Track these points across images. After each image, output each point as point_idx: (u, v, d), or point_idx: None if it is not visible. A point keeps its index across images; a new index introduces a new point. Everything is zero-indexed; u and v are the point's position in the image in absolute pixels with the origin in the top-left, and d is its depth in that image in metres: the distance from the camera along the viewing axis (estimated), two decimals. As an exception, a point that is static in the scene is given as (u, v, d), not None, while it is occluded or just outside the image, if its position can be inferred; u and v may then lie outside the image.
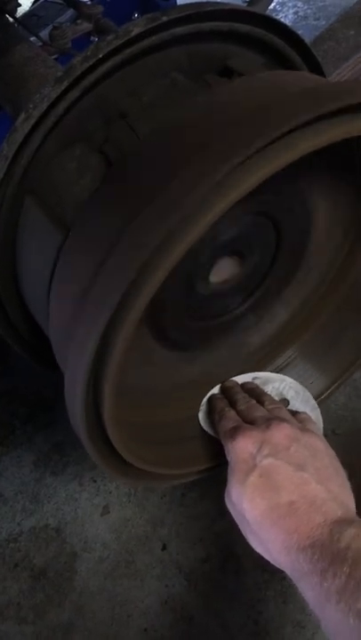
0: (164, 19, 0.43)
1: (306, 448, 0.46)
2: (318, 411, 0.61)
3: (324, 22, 1.47)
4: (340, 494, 0.44)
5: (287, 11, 1.58)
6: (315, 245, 0.58)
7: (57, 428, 0.81)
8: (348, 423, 0.76)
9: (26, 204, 0.46)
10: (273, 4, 1.58)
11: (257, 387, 0.59)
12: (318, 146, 0.33)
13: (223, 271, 0.52)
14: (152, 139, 0.42)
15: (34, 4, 1.06)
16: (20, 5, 0.87)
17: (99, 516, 0.71)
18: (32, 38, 0.81)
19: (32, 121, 0.42)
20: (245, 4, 0.94)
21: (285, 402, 0.60)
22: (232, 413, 0.52)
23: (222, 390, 0.59)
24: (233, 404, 0.54)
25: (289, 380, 0.61)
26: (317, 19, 1.53)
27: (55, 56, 0.82)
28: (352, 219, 0.59)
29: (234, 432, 0.48)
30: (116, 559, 0.68)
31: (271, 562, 0.44)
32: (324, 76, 0.57)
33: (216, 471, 0.57)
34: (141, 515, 0.71)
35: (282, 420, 0.48)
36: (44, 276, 0.45)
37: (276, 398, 0.58)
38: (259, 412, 0.51)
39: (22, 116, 0.42)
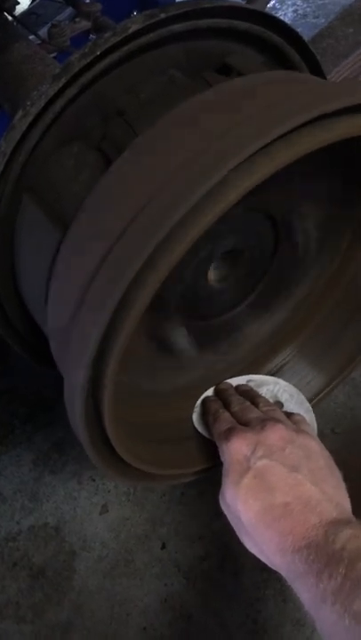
0: (162, 16, 0.43)
1: (300, 449, 0.46)
2: (312, 413, 0.61)
3: (323, 20, 1.47)
4: (335, 495, 0.44)
5: (286, 8, 1.58)
6: (313, 244, 0.58)
7: (56, 427, 0.81)
8: (347, 421, 0.76)
9: (24, 201, 0.46)
10: (272, 2, 1.58)
11: (251, 389, 0.59)
12: (318, 146, 0.34)
13: (222, 270, 0.52)
14: (152, 137, 0.42)
15: (32, 2, 1.06)
16: (18, 3, 0.87)
17: (98, 514, 0.71)
18: (31, 36, 0.81)
19: (30, 118, 0.42)
20: (244, 2, 0.94)
21: (280, 404, 0.60)
22: (226, 415, 0.52)
23: (216, 392, 0.59)
24: (227, 406, 0.54)
25: (283, 382, 0.62)
26: (317, 16, 1.53)
27: (54, 54, 0.82)
28: (350, 218, 0.59)
29: (228, 433, 0.48)
30: (115, 558, 0.68)
31: (266, 563, 0.43)
32: (324, 74, 0.57)
33: (215, 470, 0.57)
34: (140, 513, 0.71)
35: (276, 421, 0.48)
36: (42, 275, 0.44)
37: (271, 401, 0.58)
38: (253, 413, 0.51)
39: (20, 113, 0.42)
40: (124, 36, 0.42)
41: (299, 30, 0.52)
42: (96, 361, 0.35)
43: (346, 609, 0.35)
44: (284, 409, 0.60)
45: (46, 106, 0.42)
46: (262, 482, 0.44)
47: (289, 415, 0.54)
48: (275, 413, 0.52)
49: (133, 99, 0.46)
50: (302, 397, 0.61)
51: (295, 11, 1.57)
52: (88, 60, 0.42)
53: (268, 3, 0.96)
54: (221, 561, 0.66)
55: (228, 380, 0.60)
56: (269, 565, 0.43)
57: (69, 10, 0.96)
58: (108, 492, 0.73)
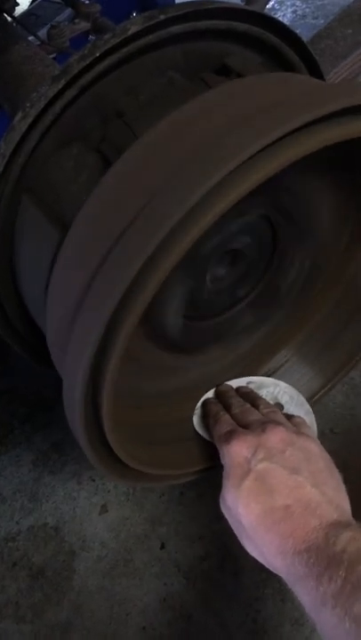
0: (162, 17, 0.43)
1: (301, 452, 0.46)
2: (313, 415, 0.61)
3: (322, 21, 1.47)
4: (335, 497, 0.44)
5: (286, 9, 1.58)
6: (311, 245, 0.58)
7: (56, 427, 0.81)
8: (346, 422, 0.76)
9: (23, 202, 0.46)
10: (271, 3, 1.58)
11: (251, 391, 0.59)
12: (316, 147, 0.34)
13: (221, 270, 0.52)
14: (151, 138, 0.42)
15: (32, 3, 1.06)
16: (18, 5, 0.87)
17: (97, 514, 0.72)
18: (30, 37, 0.81)
19: (29, 119, 0.42)
20: (243, 3, 0.95)
21: (280, 406, 0.60)
22: (227, 417, 0.52)
23: (217, 394, 0.59)
24: (227, 408, 0.54)
25: (283, 384, 0.62)
26: (316, 17, 1.53)
27: (53, 55, 0.82)
28: (349, 218, 0.59)
29: (229, 436, 0.48)
30: (115, 558, 0.68)
31: (267, 566, 0.43)
32: (322, 75, 0.57)
33: (214, 471, 0.57)
34: (140, 513, 0.71)
35: (277, 423, 0.48)
36: (41, 276, 0.45)
37: (271, 403, 0.58)
38: (253, 415, 0.51)
39: (20, 114, 0.42)
40: (123, 38, 0.42)
41: (298, 31, 0.52)
42: (95, 363, 0.35)
43: (346, 612, 0.35)
44: (285, 411, 0.60)
45: (46, 107, 0.42)
46: (263, 484, 0.44)
47: (289, 417, 0.54)
48: (275, 416, 0.52)
49: (133, 100, 0.46)
50: (303, 399, 0.61)
51: (294, 11, 1.57)
52: (87, 62, 0.42)
53: (267, 4, 0.96)
54: (221, 561, 0.66)
55: (229, 382, 0.60)
56: (270, 568, 0.43)
57: (69, 11, 0.96)
58: (108, 492, 0.73)
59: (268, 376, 0.64)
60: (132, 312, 0.33)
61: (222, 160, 0.32)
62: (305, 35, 0.78)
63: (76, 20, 0.86)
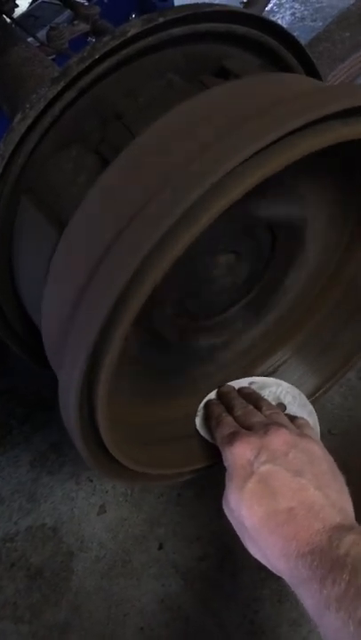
0: (161, 20, 0.43)
1: (304, 454, 0.46)
2: (315, 415, 0.60)
3: (321, 24, 1.47)
4: (338, 500, 0.44)
5: (284, 12, 1.59)
6: (310, 245, 0.58)
7: (54, 428, 0.81)
8: (344, 423, 0.76)
9: (22, 203, 0.46)
10: (270, 6, 1.58)
11: (254, 392, 0.59)
12: (315, 148, 0.34)
13: (219, 270, 0.53)
14: (149, 139, 0.42)
15: (31, 4, 1.06)
16: (17, 6, 0.87)
17: (95, 515, 0.72)
18: (29, 39, 0.81)
19: (29, 121, 0.42)
20: (242, 6, 0.95)
21: (282, 406, 0.60)
22: (229, 419, 0.52)
23: (219, 396, 0.58)
24: (230, 410, 0.54)
25: (286, 384, 0.61)
26: (314, 20, 1.54)
27: (52, 56, 0.82)
28: (347, 219, 0.59)
29: (232, 438, 0.47)
30: (113, 558, 0.68)
31: (269, 568, 0.43)
32: (320, 77, 0.57)
33: (212, 470, 0.57)
34: (138, 514, 0.71)
35: (280, 425, 0.48)
36: (40, 276, 0.45)
37: (273, 403, 0.58)
38: (256, 417, 0.51)
39: (19, 116, 0.42)
40: (122, 40, 0.42)
41: (296, 34, 0.53)
42: (91, 363, 0.36)
43: (350, 615, 0.35)
44: (287, 411, 0.59)
45: (45, 109, 0.42)
46: (266, 487, 0.44)
47: (292, 419, 0.54)
48: (278, 417, 0.52)
49: (132, 102, 0.46)
50: (305, 399, 0.61)
51: (293, 14, 1.58)
52: (87, 64, 0.42)
53: (265, 6, 0.96)
54: (219, 561, 0.66)
55: (231, 383, 0.60)
56: (273, 571, 0.43)
57: (68, 12, 0.96)
58: (106, 492, 0.73)
59: (268, 376, 0.64)
60: (128, 312, 0.33)
61: (219, 161, 0.32)
62: (303, 37, 0.78)
63: (76, 22, 0.86)
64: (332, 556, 0.38)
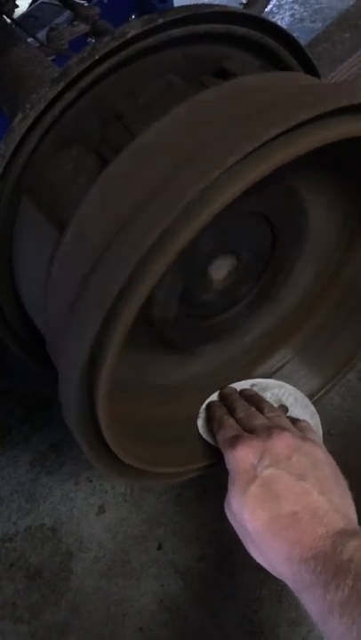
0: (161, 20, 0.43)
1: (307, 457, 0.46)
2: (318, 417, 0.60)
3: (320, 25, 1.48)
4: (341, 505, 0.43)
5: (284, 13, 1.59)
6: (310, 245, 0.58)
7: (54, 427, 0.81)
8: (343, 424, 0.76)
9: (23, 203, 0.46)
10: (270, 7, 1.59)
11: (256, 393, 0.59)
12: (314, 146, 0.34)
13: (219, 270, 0.53)
14: (149, 139, 0.42)
15: (31, 5, 1.06)
16: (17, 7, 0.87)
17: (94, 515, 0.72)
18: (29, 39, 0.81)
19: (29, 121, 0.42)
20: (242, 6, 0.95)
21: (284, 408, 0.59)
22: (231, 422, 0.52)
23: (221, 397, 0.58)
24: (232, 412, 0.54)
25: (288, 386, 0.61)
26: (314, 21, 1.54)
27: (52, 57, 0.82)
28: (347, 218, 0.59)
29: (234, 441, 0.47)
30: (112, 559, 0.68)
31: (272, 572, 0.43)
32: (320, 78, 0.57)
33: (212, 470, 0.57)
34: (137, 514, 0.71)
35: (283, 429, 0.48)
36: (40, 276, 0.45)
37: (275, 405, 0.57)
38: (259, 420, 0.51)
39: (19, 116, 0.42)
40: (122, 41, 0.42)
41: (296, 35, 0.53)
42: (92, 358, 0.36)
43: (354, 621, 0.35)
44: (289, 413, 0.59)
45: (45, 109, 0.42)
46: (269, 491, 0.43)
47: (294, 422, 0.54)
48: (280, 420, 0.52)
49: (132, 103, 0.46)
50: (307, 401, 0.60)
51: (292, 15, 1.58)
52: (87, 65, 0.42)
53: (265, 7, 0.96)
54: (218, 561, 0.66)
55: (233, 385, 0.59)
56: (276, 575, 0.43)
57: (68, 13, 0.96)
58: (105, 492, 0.73)
59: (269, 377, 0.64)
60: (129, 307, 0.33)
61: (217, 160, 0.32)
62: (303, 38, 0.78)
63: (75, 23, 0.86)
64: (336, 561, 0.38)
